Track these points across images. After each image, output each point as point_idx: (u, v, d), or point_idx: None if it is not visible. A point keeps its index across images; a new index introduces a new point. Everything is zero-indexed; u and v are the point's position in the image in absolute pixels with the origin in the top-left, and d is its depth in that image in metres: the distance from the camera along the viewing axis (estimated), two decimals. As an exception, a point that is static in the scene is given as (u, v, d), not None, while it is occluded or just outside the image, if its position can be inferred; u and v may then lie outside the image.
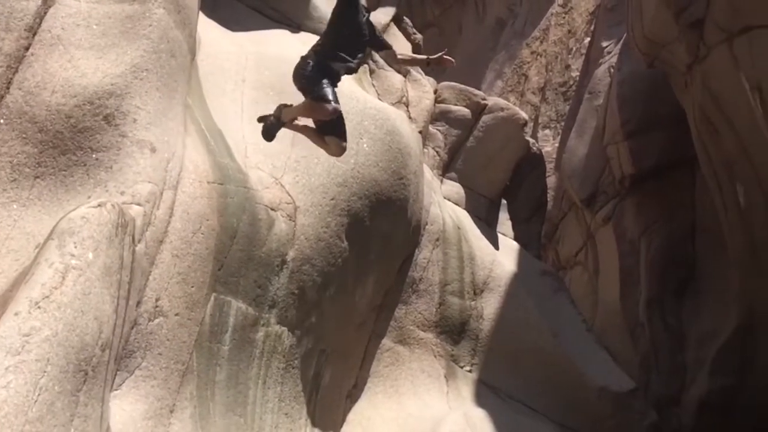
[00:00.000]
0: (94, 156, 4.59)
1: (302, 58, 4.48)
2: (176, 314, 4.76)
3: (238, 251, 5.27)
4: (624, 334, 12.87)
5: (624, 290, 13.19)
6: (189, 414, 4.71)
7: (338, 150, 4.57)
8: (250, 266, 5.35)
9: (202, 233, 5.01)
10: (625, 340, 12.75)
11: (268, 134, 4.71)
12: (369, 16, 4.59)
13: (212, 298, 5.06)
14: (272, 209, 5.67)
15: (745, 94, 8.23)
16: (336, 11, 4.48)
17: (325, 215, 6.04)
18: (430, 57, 4.60)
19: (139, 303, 4.49)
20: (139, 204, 4.54)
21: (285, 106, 4.60)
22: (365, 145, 6.46)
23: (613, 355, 9.31)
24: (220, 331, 5.11)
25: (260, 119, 4.77)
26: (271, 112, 4.71)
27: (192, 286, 4.88)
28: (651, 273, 12.23)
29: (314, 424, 6.14)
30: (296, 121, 4.66)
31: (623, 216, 13.23)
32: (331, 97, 4.27)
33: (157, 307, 4.62)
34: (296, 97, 4.61)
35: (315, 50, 4.46)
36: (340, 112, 4.38)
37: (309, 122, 4.68)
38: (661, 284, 12.13)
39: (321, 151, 6.24)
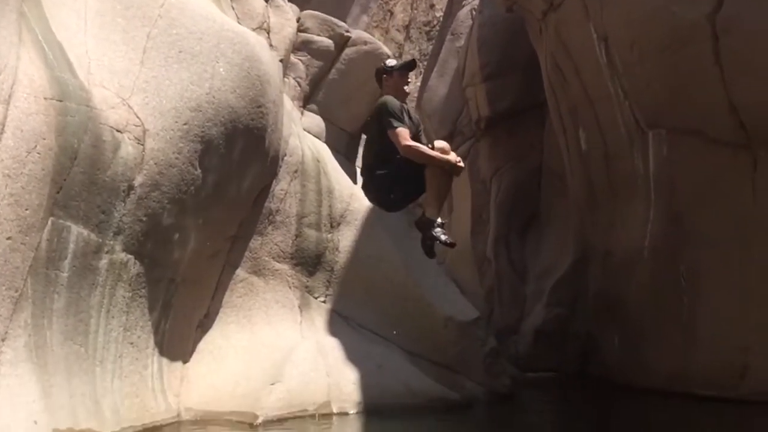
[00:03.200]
0: None
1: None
2: (8, 238, 4.43)
3: (79, 174, 4.95)
4: (472, 269, 13.57)
5: (474, 228, 13.86)
6: (23, 343, 4.45)
7: (458, 168, 4.47)
8: (92, 190, 5.05)
9: (38, 153, 4.65)
10: (473, 274, 13.47)
11: (431, 252, 4.55)
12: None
13: (49, 222, 4.75)
14: (118, 131, 5.36)
15: (593, 43, 8.68)
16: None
17: (177, 140, 5.79)
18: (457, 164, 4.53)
19: (-37, 225, 4.14)
20: (-37, 117, 4.13)
21: (422, 206, 4.50)
22: (221, 70, 6.21)
23: (461, 287, 9.77)
24: (58, 257, 4.82)
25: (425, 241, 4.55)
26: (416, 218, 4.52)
27: (26, 209, 4.55)
28: (499, 212, 12.90)
29: (162, 354, 6.03)
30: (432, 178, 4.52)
31: (477, 156, 13.76)
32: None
33: (-15, 230, 4.28)
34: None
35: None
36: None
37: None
38: (508, 223, 12.84)
39: (172, 72, 5.97)
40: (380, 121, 4.51)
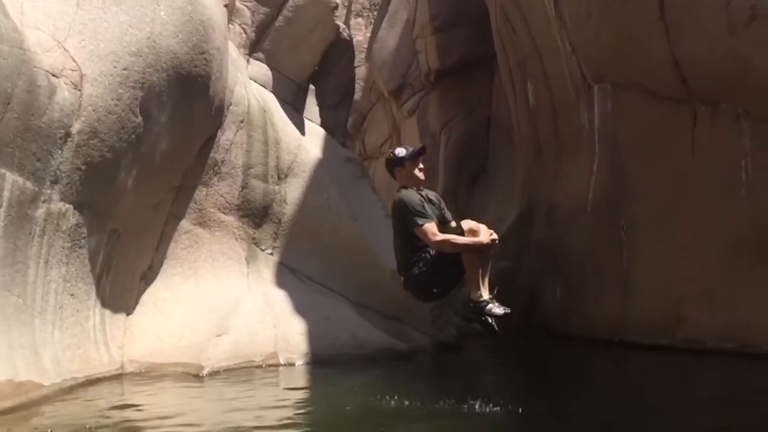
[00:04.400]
0: None
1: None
2: (-64, 186, 4.24)
3: (13, 119, 4.73)
4: (421, 222, 13.67)
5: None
6: (-44, 294, 4.30)
7: (492, 245, 4.30)
8: (27, 137, 4.85)
9: (-33, 97, 4.42)
10: (421, 227, 13.56)
11: (493, 329, 4.28)
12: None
13: (-19, 170, 4.55)
14: (54, 75, 5.13)
15: (542, -4, 8.67)
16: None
17: (116, 86, 5.58)
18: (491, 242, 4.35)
19: None
20: None
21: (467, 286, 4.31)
22: (162, 14, 5.98)
23: (408, 240, 9.82)
24: (-8, 205, 4.63)
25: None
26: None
27: (-45, 156, 4.34)
28: (448, 165, 12.98)
29: (104, 306, 5.92)
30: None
31: (427, 109, 13.75)
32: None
33: None
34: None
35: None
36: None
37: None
38: (456, 176, 12.94)
39: (111, 15, 5.72)
40: (404, 221, 4.38)
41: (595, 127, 8.33)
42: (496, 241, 4.43)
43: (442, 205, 4.80)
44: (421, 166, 4.69)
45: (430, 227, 4.31)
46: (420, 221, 4.34)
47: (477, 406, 4.18)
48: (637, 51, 7.50)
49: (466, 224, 4.51)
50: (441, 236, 4.32)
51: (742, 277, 6.81)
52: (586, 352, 7.78)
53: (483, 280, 4.31)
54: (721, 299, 6.97)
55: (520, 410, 4.20)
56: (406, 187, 4.64)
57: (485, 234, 4.33)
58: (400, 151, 4.73)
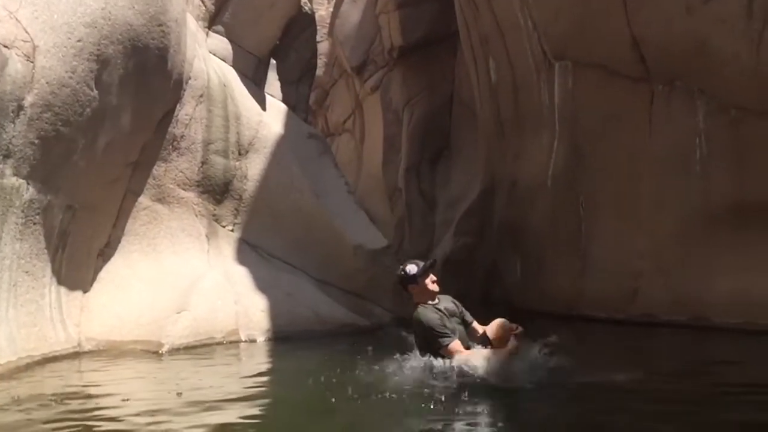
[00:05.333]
0: None
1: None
2: None
3: (-40, 92, 4.60)
4: (383, 199, 13.70)
5: (386, 158, 13.91)
6: None
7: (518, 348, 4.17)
8: (-24, 110, 4.71)
9: None
10: (384, 203, 13.60)
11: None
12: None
13: (-71, 144, 4.41)
14: (5, 46, 4.97)
15: (505, -27, 8.66)
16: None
17: (71, 58, 5.44)
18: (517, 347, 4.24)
19: None
20: None
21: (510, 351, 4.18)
22: (118, -16, 5.83)
23: (371, 216, 9.85)
24: (-60, 181, 4.50)
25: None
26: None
27: None
28: (411, 142, 12.98)
29: (60, 283, 5.82)
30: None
31: (390, 86, 13.70)
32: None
33: None
34: None
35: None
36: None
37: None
38: (419, 153, 12.96)
39: (63, -16, 5.55)
40: (429, 341, 4.32)
41: (556, 104, 8.41)
42: (521, 334, 4.41)
43: (461, 308, 4.73)
44: (433, 278, 4.62)
45: (455, 346, 4.30)
46: (444, 341, 4.31)
47: (435, 381, 4.23)
48: (597, 29, 7.57)
49: (491, 331, 4.49)
50: (466, 353, 4.32)
51: (694, 253, 6.98)
52: (543, 325, 7.90)
53: (515, 351, 4.28)
54: (674, 274, 7.15)
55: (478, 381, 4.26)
56: (422, 303, 4.54)
57: (512, 342, 4.30)
58: (411, 269, 4.60)
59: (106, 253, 6.63)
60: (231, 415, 3.76)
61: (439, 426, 3.42)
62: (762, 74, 6.26)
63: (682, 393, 4.17)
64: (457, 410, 3.62)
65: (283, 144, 8.23)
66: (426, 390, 4.02)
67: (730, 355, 5.65)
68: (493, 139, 10.24)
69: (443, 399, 3.80)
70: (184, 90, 7.18)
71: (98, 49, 5.64)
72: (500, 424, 3.42)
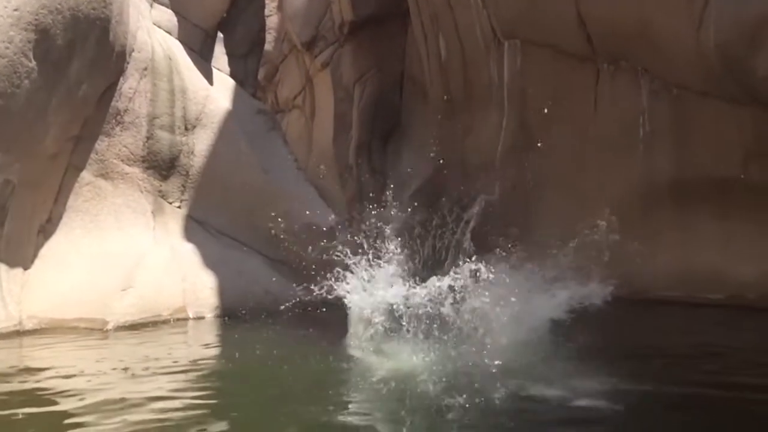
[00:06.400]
0: None
1: None
2: None
3: None
4: (335, 175, 13.62)
5: (337, 135, 13.78)
6: None
7: None
8: None
9: None
10: (335, 180, 13.52)
11: None
12: None
13: None
14: (-66, 14, 4.77)
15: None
16: None
17: (7, 28, 5.25)
18: None
19: None
20: None
21: None
22: (56, -50, 5.62)
23: (322, 193, 9.81)
24: None
25: None
26: None
27: None
28: (362, 119, 12.89)
29: (0, 260, 5.65)
30: None
31: (340, 62, 13.54)
32: None
33: None
34: None
35: None
36: None
37: None
38: (370, 130, 12.89)
39: (-2, -50, 5.33)
40: None
41: (505, 82, 8.47)
42: None
43: None
44: None
45: None
46: None
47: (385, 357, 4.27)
48: (546, 8, 7.62)
49: None
50: None
51: (635, 230, 7.16)
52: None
53: None
54: (616, 251, 7.32)
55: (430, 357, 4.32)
56: None
57: None
58: None
59: (47, 229, 6.47)
60: (179, 383, 3.74)
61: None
62: (702, 54, 6.41)
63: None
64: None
65: (230, 119, 8.13)
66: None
67: (671, 326, 5.85)
68: (443, 116, 10.27)
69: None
70: (128, 63, 7.01)
71: (36, 19, 5.45)
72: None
